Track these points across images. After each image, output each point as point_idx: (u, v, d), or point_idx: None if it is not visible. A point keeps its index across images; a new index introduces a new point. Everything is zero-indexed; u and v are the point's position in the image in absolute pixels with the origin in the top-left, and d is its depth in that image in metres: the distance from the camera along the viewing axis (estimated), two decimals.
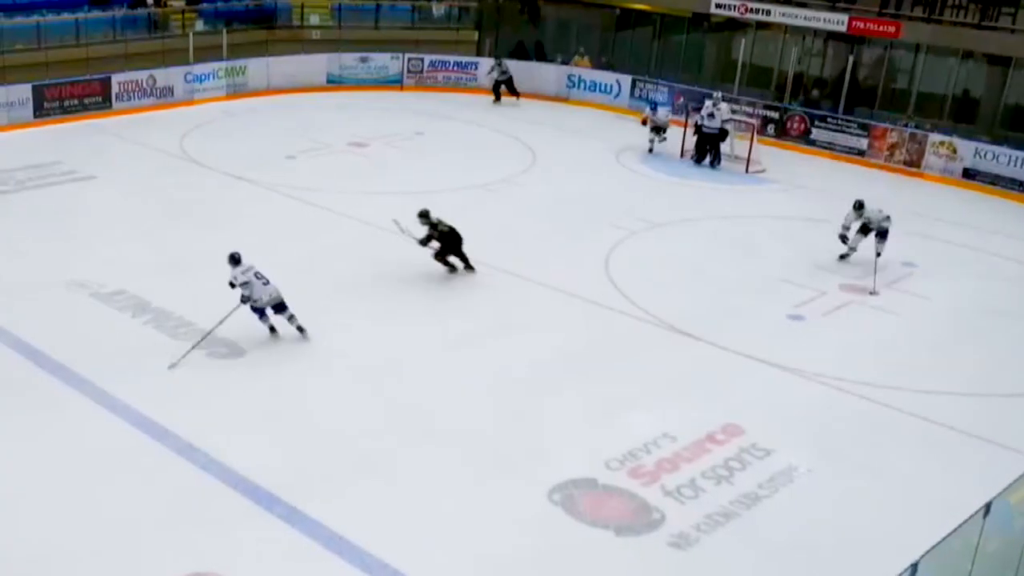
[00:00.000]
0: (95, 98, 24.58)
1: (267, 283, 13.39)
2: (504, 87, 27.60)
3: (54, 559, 9.32)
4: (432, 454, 11.28)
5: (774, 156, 23.73)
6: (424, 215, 15.67)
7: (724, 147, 23.30)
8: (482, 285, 15.85)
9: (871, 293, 16.16)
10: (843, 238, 17.22)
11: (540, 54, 30.63)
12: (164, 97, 25.71)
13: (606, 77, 28.48)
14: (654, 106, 24.44)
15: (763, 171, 22.88)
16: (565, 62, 29.43)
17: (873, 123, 24.58)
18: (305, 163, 21.75)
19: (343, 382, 12.71)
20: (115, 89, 24.85)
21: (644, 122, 24.16)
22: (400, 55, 28.82)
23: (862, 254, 17.10)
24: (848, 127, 24.72)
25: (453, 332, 14.17)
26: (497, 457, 11.26)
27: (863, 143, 24.45)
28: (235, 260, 13.52)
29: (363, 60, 28.68)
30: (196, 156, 21.81)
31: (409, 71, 28.64)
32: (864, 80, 26.67)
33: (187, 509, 10.12)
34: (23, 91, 23.43)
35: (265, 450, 11.16)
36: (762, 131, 24.75)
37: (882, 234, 16.92)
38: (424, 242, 15.69)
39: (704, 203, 20.69)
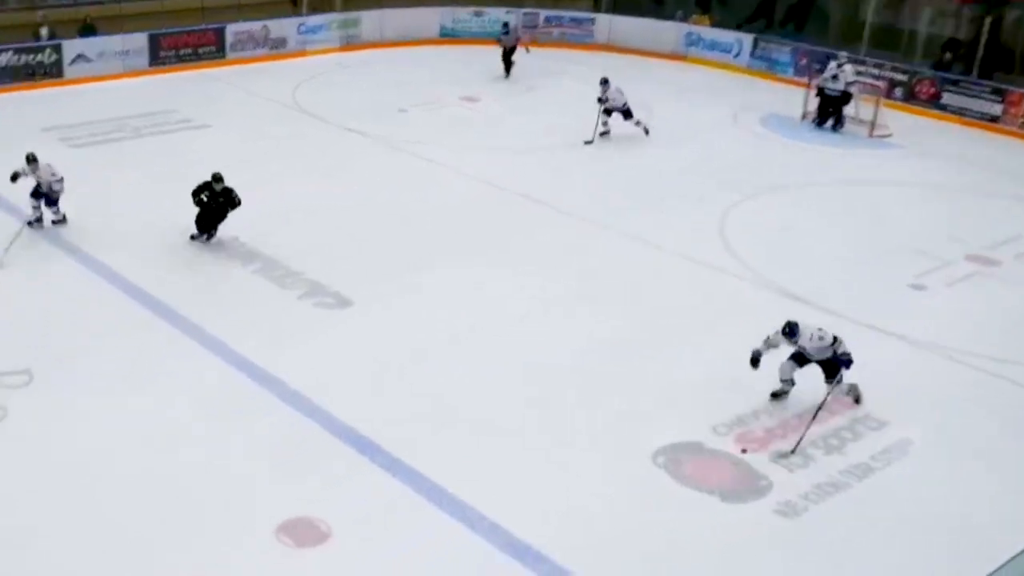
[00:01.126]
0: (209, 48, 25.19)
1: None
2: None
3: (162, 496, 9.71)
4: (538, 412, 11.39)
5: (901, 121, 23.12)
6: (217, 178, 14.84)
7: (848, 110, 22.78)
8: (589, 244, 15.86)
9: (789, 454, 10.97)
10: (755, 360, 11.58)
11: (658, 10, 30.30)
12: (277, 48, 26.21)
13: (726, 36, 28.05)
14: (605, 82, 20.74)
15: (888, 136, 22.33)
16: (684, 19, 29.07)
17: (1009, 88, 23.74)
18: (416, 116, 21.97)
19: (448, 337, 12.88)
20: (229, 39, 25.42)
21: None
22: (515, 10, 28.81)
23: None
24: (982, 92, 23.94)
25: (559, 290, 14.22)
26: (604, 417, 11.31)
27: (997, 109, 23.67)
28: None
29: (477, 14, 28.76)
30: (308, 107, 22.21)
31: (524, 26, 28.64)
32: (1002, 43, 25.75)
33: (290, 456, 10.42)
34: (139, 40, 24.15)
35: (369, 400, 11.42)
36: (889, 94, 24.13)
37: (830, 367, 11.34)
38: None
39: (824, 167, 20.30)
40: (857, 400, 11.73)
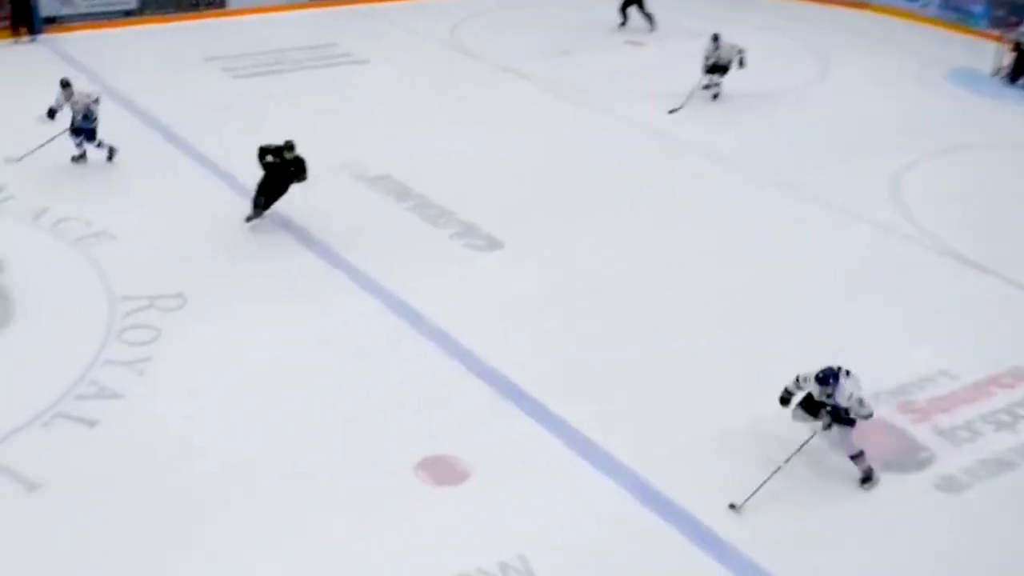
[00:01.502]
0: None
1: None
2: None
3: (310, 430, 10.08)
4: (688, 367, 11.34)
5: None
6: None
7: None
8: (748, 198, 15.61)
9: None
10: (784, 400, 9.92)
11: None
12: None
13: None
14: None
15: None
16: None
17: None
18: (578, 59, 21.86)
19: (599, 284, 12.88)
20: None
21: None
22: None
23: None
24: None
25: (715, 243, 14.04)
26: (759, 376, 11.17)
27: None
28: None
29: None
30: (468, 46, 22.39)
31: None
32: None
33: (433, 394, 10.66)
34: None
35: (515, 344, 11.56)
36: None
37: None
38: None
39: (1017, 128, 19.43)
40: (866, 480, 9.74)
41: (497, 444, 9.95)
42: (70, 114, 15.00)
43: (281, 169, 13.46)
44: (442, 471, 9.54)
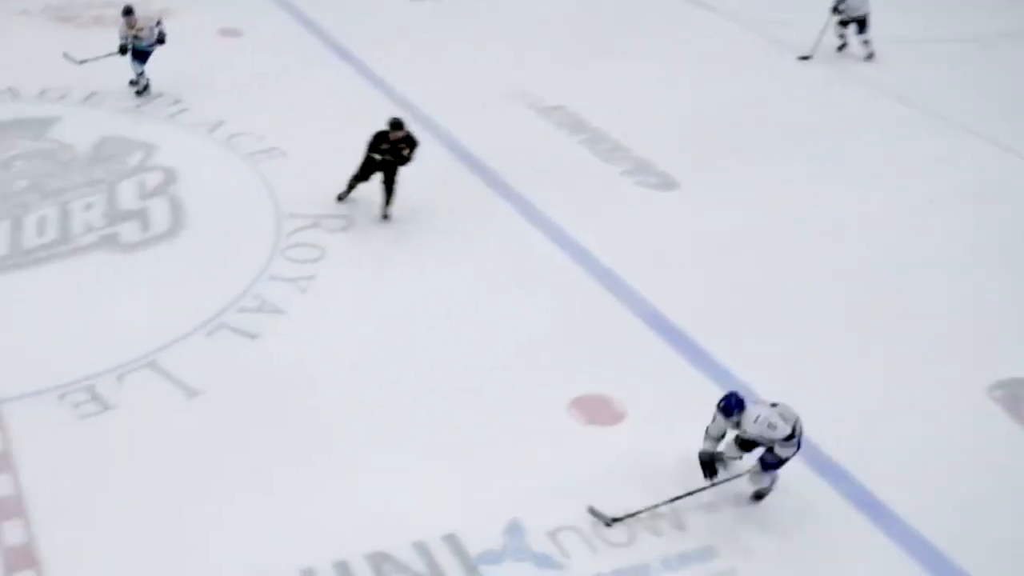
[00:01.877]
0: None
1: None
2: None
3: (470, 359, 10.25)
4: (858, 322, 11.11)
5: None
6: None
7: None
8: (947, 155, 15.02)
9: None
10: (707, 464, 8.69)
11: None
12: None
13: None
14: None
15: None
16: None
17: None
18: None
19: (775, 234, 12.63)
20: None
21: None
22: None
23: None
24: None
25: (902, 200, 13.63)
26: (936, 342, 10.85)
27: None
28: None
29: None
30: None
31: None
32: None
33: (593, 332, 10.69)
34: None
35: (681, 288, 11.45)
36: None
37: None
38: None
39: None
40: (757, 497, 8.81)
41: (657, 387, 9.91)
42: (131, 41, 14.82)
43: (388, 157, 12.17)
44: (596, 410, 9.58)
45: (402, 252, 11.95)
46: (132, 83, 15.20)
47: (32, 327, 10.41)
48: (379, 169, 12.24)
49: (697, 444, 8.62)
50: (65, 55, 15.45)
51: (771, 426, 8.21)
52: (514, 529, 8.32)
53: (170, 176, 13.17)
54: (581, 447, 9.21)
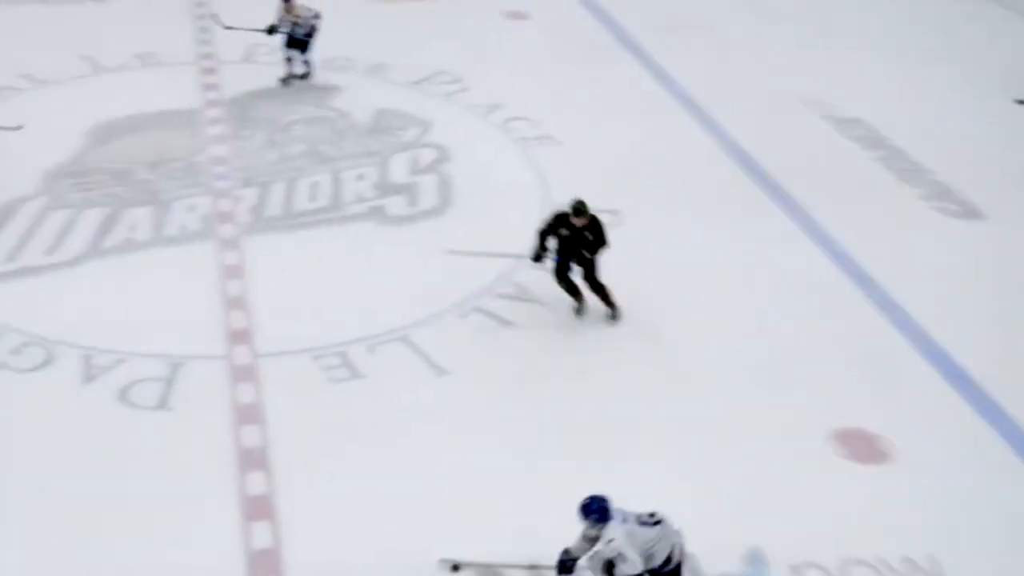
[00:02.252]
0: None
1: None
2: None
3: (731, 367, 10.05)
4: None
5: None
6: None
7: None
8: None
9: None
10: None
11: None
12: None
13: None
14: None
15: None
16: None
17: None
18: None
19: None
20: None
21: None
22: None
23: None
24: None
25: None
26: None
27: None
28: None
29: None
30: None
31: None
32: None
33: (867, 359, 10.24)
34: None
35: (972, 326, 10.77)
36: None
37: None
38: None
39: None
40: None
41: (926, 427, 9.40)
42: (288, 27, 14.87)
43: (574, 241, 10.41)
44: (857, 446, 9.14)
45: (666, 249, 11.80)
46: (284, 79, 15.14)
47: (293, 289, 10.80)
48: (576, 264, 10.54)
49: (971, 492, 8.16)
50: (213, 17, 15.94)
51: (623, 559, 6.96)
52: (755, 559, 7.98)
53: (443, 154, 13.45)
54: (839, 481, 8.80)
